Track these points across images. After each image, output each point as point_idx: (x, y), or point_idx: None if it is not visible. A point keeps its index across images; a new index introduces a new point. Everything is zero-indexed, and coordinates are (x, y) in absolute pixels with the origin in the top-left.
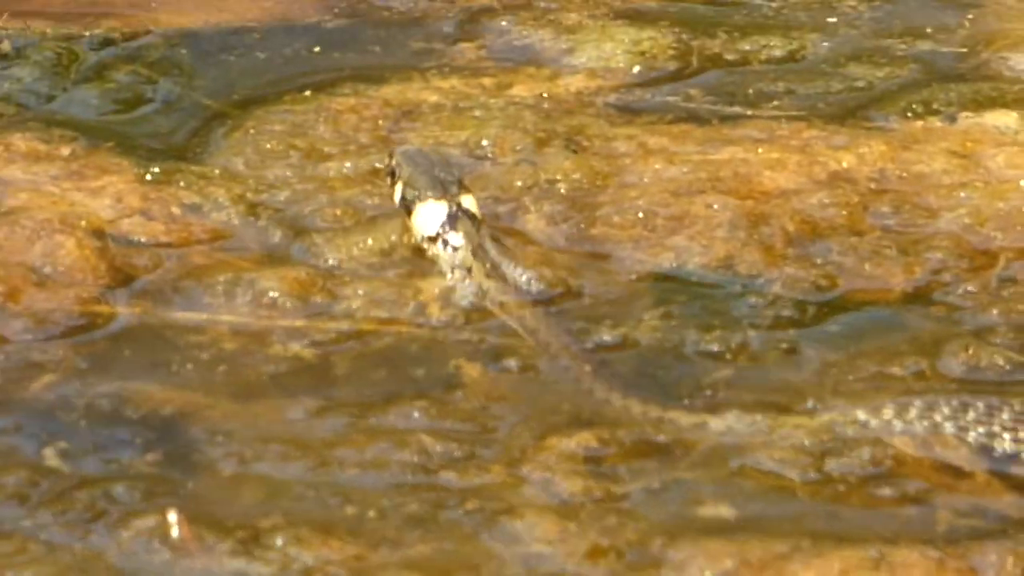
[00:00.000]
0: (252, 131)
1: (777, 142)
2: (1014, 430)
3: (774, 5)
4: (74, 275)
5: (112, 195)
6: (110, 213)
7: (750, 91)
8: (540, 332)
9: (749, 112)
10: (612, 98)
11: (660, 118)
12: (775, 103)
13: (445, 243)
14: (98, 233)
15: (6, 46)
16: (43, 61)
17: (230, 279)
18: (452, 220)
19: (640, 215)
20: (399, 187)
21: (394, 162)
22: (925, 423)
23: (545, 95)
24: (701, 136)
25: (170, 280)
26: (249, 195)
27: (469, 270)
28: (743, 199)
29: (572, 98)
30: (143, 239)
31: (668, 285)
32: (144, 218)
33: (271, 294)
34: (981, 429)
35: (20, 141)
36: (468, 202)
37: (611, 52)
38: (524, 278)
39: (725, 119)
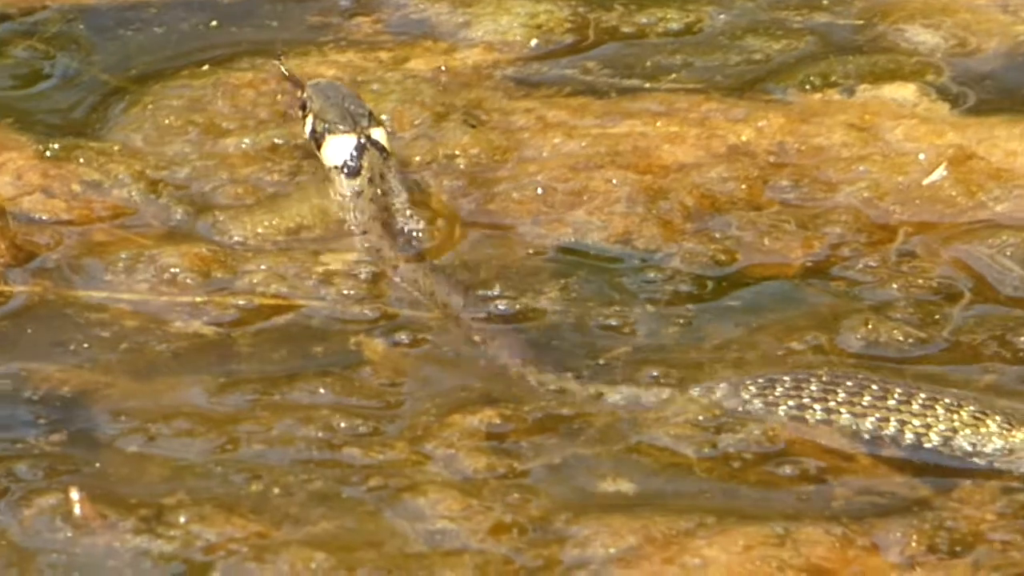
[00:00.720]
0: (150, 106)
1: (676, 115)
2: (824, 400)
3: None
4: None
5: (12, 172)
6: (10, 191)
7: (648, 64)
8: (420, 283)
9: (647, 85)
10: (510, 71)
11: (558, 91)
12: (673, 76)
13: (347, 174)
14: None
15: None
16: None
17: (131, 256)
18: (359, 151)
19: (539, 191)
20: (309, 119)
21: (305, 95)
22: (734, 400)
23: (443, 68)
24: (600, 109)
25: (71, 258)
26: (149, 172)
27: (359, 194)
28: (642, 173)
29: (469, 72)
30: (44, 216)
31: (567, 259)
32: (45, 195)
33: (172, 270)
34: (791, 403)
35: None
36: (378, 134)
37: (508, 25)
38: (410, 217)
39: (624, 92)
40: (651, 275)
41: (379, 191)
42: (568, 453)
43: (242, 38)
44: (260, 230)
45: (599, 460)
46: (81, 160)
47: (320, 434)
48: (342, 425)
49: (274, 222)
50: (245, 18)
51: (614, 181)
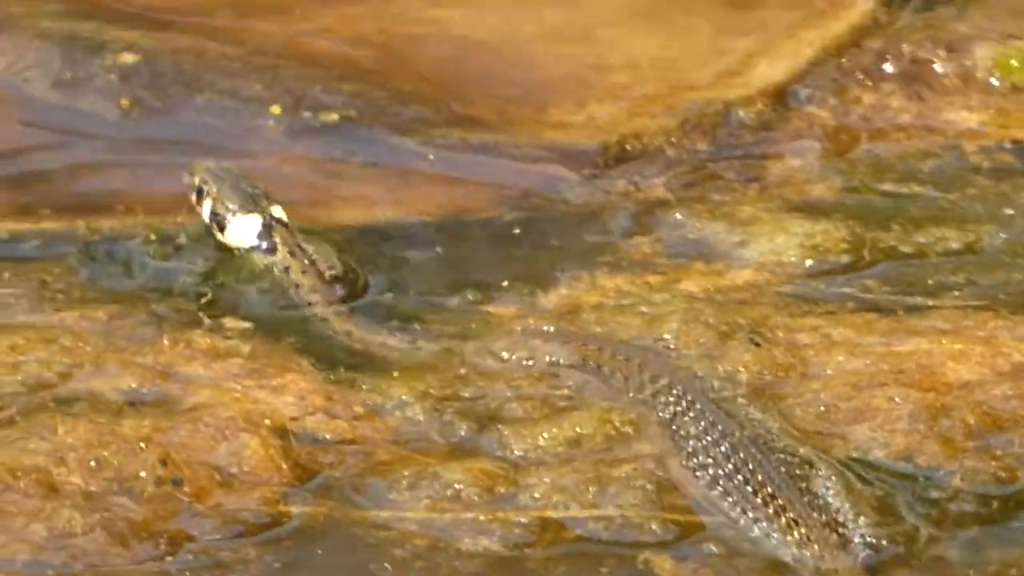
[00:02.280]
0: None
1: (962, 333)
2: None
3: (951, 197)
4: (259, 474)
5: (294, 393)
6: (293, 411)
7: (929, 282)
8: (353, 333)
9: (931, 303)
10: (786, 289)
11: (840, 307)
12: (956, 294)
13: (264, 251)
14: (281, 431)
15: (182, 239)
16: (219, 256)
17: (414, 473)
18: (267, 230)
19: (822, 408)
20: (208, 203)
21: (198, 179)
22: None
23: (712, 288)
24: (885, 327)
25: (354, 476)
26: (432, 391)
27: (288, 269)
28: (925, 391)
29: (745, 291)
30: (327, 436)
31: (849, 475)
32: (327, 416)
33: (456, 487)
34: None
35: (200, 338)
36: (278, 211)
37: (784, 245)
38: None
39: (910, 310)
40: (933, 493)
41: (306, 261)
42: None
43: (517, 259)
44: (541, 442)
45: None
46: (364, 387)
47: None
48: None
49: (553, 431)
50: (522, 238)
51: (897, 399)
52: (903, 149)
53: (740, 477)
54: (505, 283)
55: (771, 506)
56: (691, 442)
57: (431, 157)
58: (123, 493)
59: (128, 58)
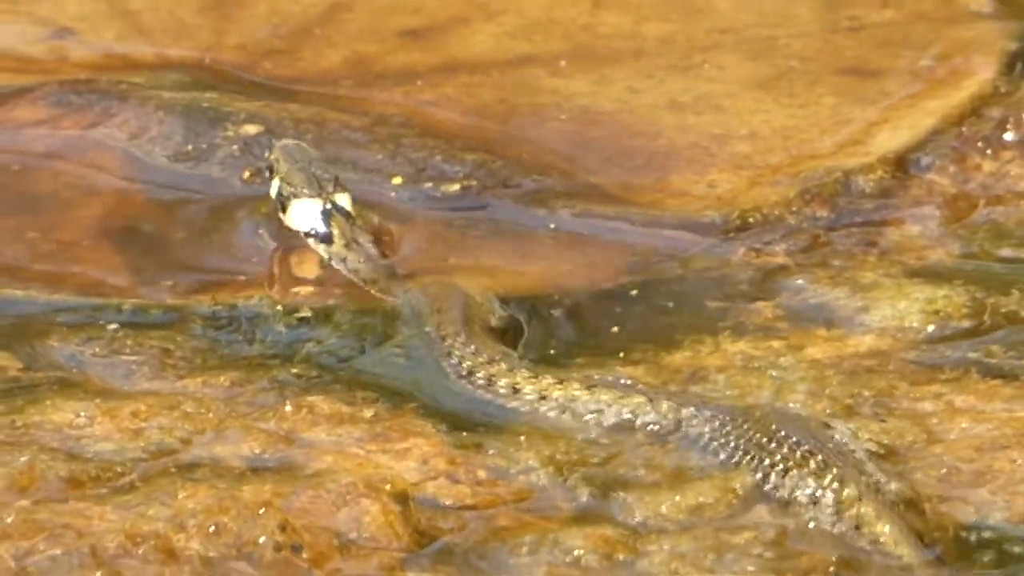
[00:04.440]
0: None
1: None
2: None
3: None
4: (379, 539)
5: (417, 458)
6: (415, 476)
7: None
8: (409, 307)
9: None
10: (912, 355)
11: (964, 373)
12: None
13: (319, 239)
14: (402, 497)
15: (306, 310)
16: (343, 323)
17: (536, 539)
18: (325, 216)
19: (943, 471)
20: (275, 183)
21: (272, 157)
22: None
23: (837, 356)
24: (1008, 393)
25: (474, 542)
26: (559, 456)
27: (344, 260)
28: None
29: (868, 358)
30: (448, 502)
31: (967, 536)
32: (449, 480)
33: (576, 553)
34: None
35: (323, 403)
36: (343, 200)
37: (906, 311)
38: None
39: None
40: None
41: (363, 254)
42: None
43: (642, 324)
44: (663, 510)
45: None
46: (490, 451)
47: None
48: None
49: (676, 499)
50: (644, 303)
51: (1018, 461)
52: (1022, 215)
53: None
54: (630, 345)
55: None
56: None
57: (552, 226)
58: (242, 559)
59: (250, 129)
